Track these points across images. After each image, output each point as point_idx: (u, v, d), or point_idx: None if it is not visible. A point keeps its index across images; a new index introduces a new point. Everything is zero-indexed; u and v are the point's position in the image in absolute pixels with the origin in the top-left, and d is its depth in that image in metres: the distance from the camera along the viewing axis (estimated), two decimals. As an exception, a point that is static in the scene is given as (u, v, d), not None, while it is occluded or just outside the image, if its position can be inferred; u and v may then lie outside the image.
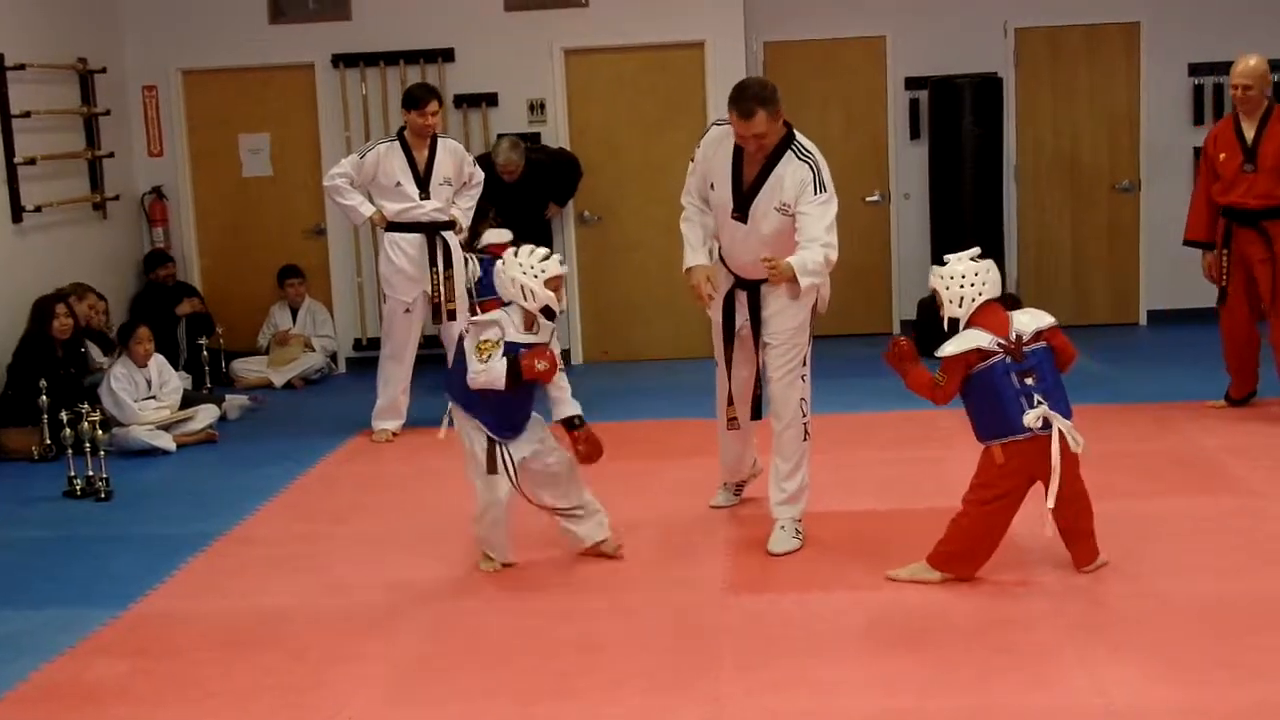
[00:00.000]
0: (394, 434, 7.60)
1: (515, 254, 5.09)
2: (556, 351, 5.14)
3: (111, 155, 9.36)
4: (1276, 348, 6.91)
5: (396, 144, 7.55)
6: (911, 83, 9.98)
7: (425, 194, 7.50)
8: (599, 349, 9.84)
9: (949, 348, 4.79)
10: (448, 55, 9.59)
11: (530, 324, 5.09)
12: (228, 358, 9.39)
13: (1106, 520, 5.53)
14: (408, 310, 7.57)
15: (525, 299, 5.03)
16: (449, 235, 7.58)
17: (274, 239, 9.88)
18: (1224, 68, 9.39)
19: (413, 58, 9.58)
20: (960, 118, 9.31)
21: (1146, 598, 4.70)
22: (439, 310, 7.54)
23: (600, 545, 5.35)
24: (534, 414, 5.24)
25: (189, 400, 7.98)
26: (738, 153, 5.28)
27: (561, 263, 5.12)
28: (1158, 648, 4.28)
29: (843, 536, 5.45)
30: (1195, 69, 9.86)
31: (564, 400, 5.25)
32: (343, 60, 9.62)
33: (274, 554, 5.66)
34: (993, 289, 4.84)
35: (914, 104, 10.01)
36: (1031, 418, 4.70)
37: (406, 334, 7.61)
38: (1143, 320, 10.20)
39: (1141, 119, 10.03)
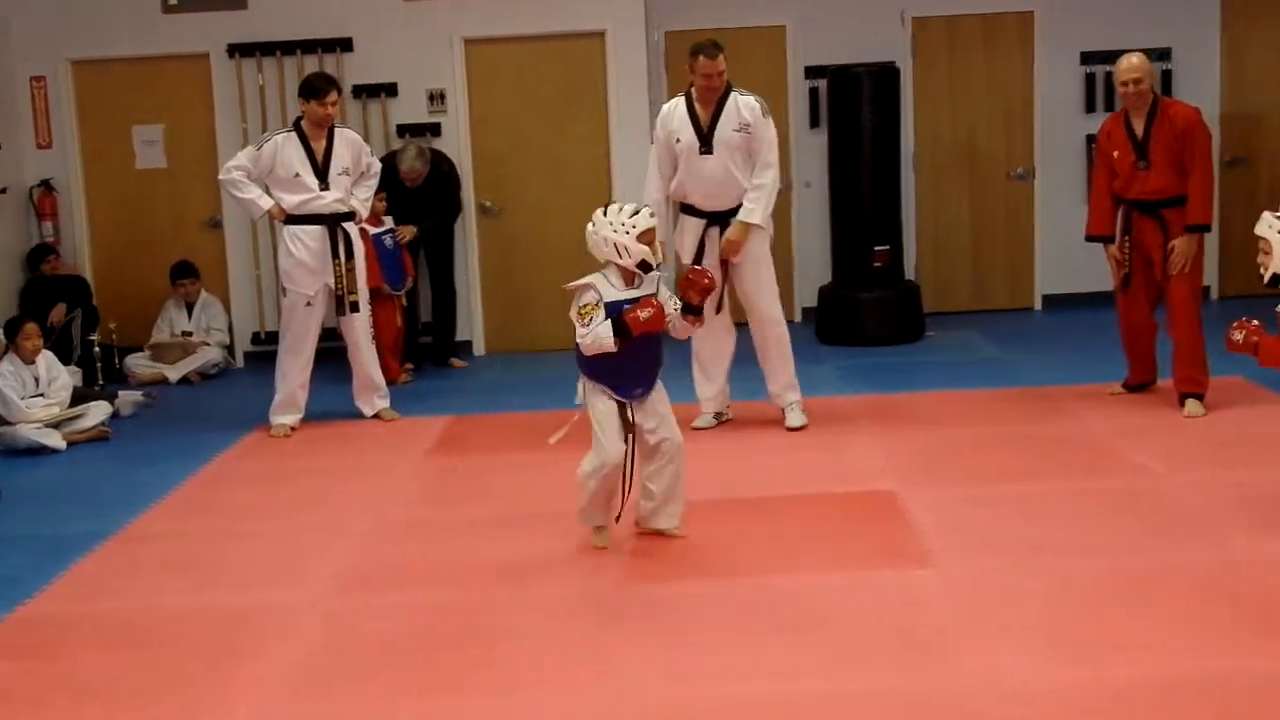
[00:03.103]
0: (292, 428, 7.52)
1: (605, 213, 5.09)
2: (666, 303, 5.08)
3: (-1, 147, 9.17)
4: (1173, 334, 7.01)
5: (294, 135, 7.46)
6: (811, 72, 10.05)
7: (324, 185, 7.42)
8: (501, 340, 9.80)
9: None
10: (346, 45, 9.49)
11: (631, 280, 5.06)
12: (121, 353, 9.23)
13: (1002, 502, 5.65)
14: (309, 303, 7.49)
15: (621, 256, 5.01)
16: (349, 226, 7.51)
17: (169, 232, 9.72)
18: (1114, 56, 9.51)
19: (310, 47, 9.48)
20: (859, 107, 9.39)
21: (1039, 577, 4.76)
22: (342, 302, 7.47)
23: (667, 529, 5.36)
24: (660, 386, 5.22)
25: (80, 397, 7.82)
26: (690, 109, 6.74)
27: (652, 215, 5.10)
28: (1050, 627, 4.34)
29: (744, 524, 5.47)
30: (1087, 57, 10.03)
31: None
32: (239, 50, 9.49)
33: (167, 552, 5.57)
34: None
35: (813, 93, 10.08)
36: None
37: (306, 327, 7.53)
38: (1038, 305, 10.36)
39: (1036, 107, 10.17)
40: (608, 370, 5.07)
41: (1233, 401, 6.99)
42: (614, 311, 4.96)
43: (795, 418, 7.00)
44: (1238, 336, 4.99)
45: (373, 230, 8.36)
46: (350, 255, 7.48)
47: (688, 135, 6.74)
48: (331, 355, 8.30)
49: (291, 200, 7.40)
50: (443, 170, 9.15)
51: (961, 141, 10.26)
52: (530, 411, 7.75)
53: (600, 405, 5.14)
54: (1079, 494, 5.71)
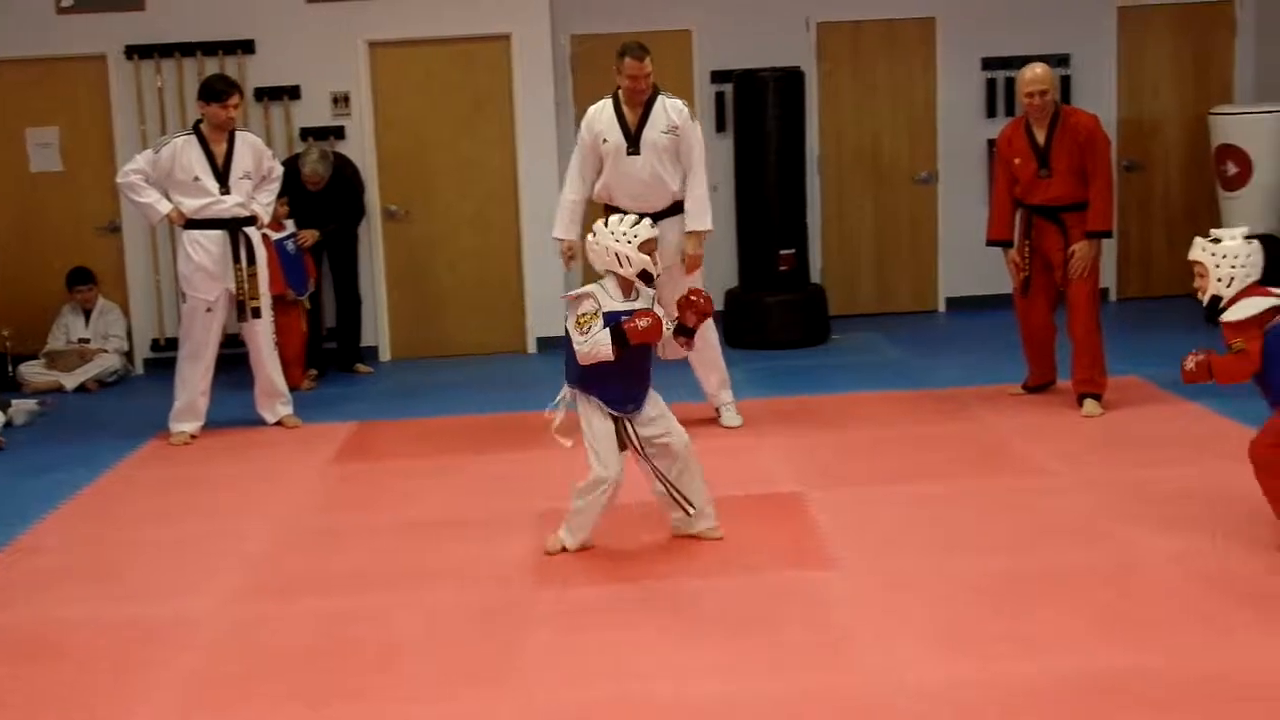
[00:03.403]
0: (193, 436, 7.41)
1: (605, 223, 5.10)
2: (661, 313, 5.08)
3: (-115, 149, 8.94)
4: (1072, 336, 7.12)
5: (194, 138, 7.35)
6: (717, 76, 10.09)
7: (225, 189, 7.31)
8: (408, 346, 9.73)
9: (1237, 313, 4.78)
10: (248, 47, 9.37)
11: (629, 291, 5.08)
12: (15, 361, 9.03)
13: (905, 502, 5.71)
14: (209, 309, 7.38)
15: (622, 266, 5.02)
16: (251, 231, 7.41)
17: (65, 237, 9.53)
18: (1014, 62, 9.74)
19: (211, 49, 9.35)
20: (764, 111, 9.44)
21: (941, 576, 4.82)
22: (243, 308, 7.37)
23: (703, 531, 5.32)
24: (653, 390, 5.21)
25: (-30, 406, 7.66)
26: (618, 111, 6.78)
27: (653, 225, 5.12)
28: (951, 625, 4.39)
29: (652, 528, 5.47)
30: (988, 63, 10.16)
31: None
32: (137, 51, 9.33)
33: (63, 562, 5.46)
34: (1257, 272, 4.84)
35: (719, 97, 10.12)
36: None
37: (206, 333, 7.41)
38: (941, 307, 10.49)
39: (938, 112, 10.30)
40: (599, 383, 5.04)
41: (1130, 401, 7.12)
42: (611, 322, 4.96)
43: (731, 418, 7.09)
44: (1190, 365, 4.99)
45: (274, 235, 8.25)
46: (252, 260, 7.38)
47: (615, 136, 6.79)
48: (233, 361, 8.19)
49: (191, 205, 7.29)
50: (346, 174, 9.07)
51: (866, 146, 10.36)
52: (436, 417, 7.72)
53: (596, 423, 5.11)
54: (980, 493, 5.79)
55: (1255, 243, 4.86)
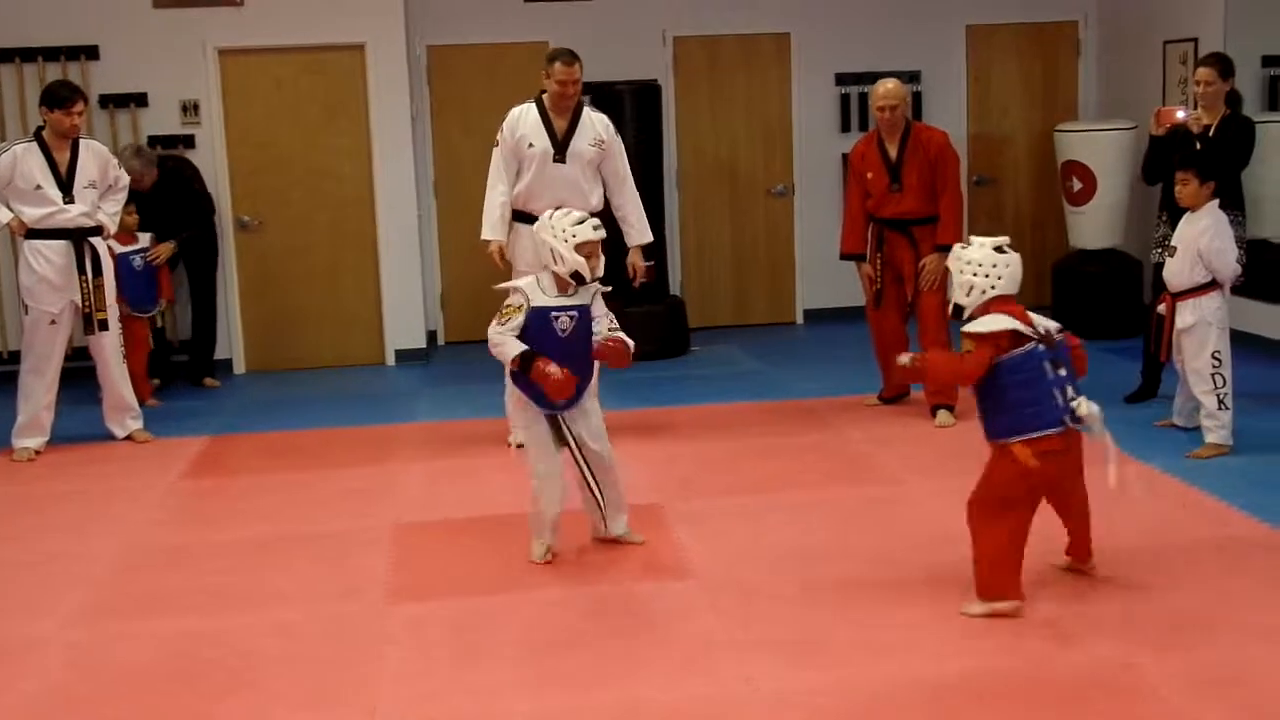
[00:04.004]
0: (37, 452, 7.18)
1: (550, 216, 5.05)
2: (601, 319, 5.08)
3: None
4: (923, 347, 7.24)
5: (35, 145, 7.13)
6: (574, 88, 10.08)
7: (69, 198, 7.11)
8: (262, 358, 9.56)
9: (979, 326, 4.44)
10: (91, 52, 9.12)
11: (565, 288, 5.00)
12: None
13: (761, 511, 5.75)
14: (53, 321, 7.17)
15: (555, 263, 4.96)
16: (96, 241, 7.22)
17: (-100, 247, 9.19)
18: (867, 78, 9.93)
19: (53, 54, 9.08)
20: (622, 124, 9.39)
21: (794, 585, 4.87)
22: (90, 320, 7.17)
23: (623, 537, 5.36)
24: (593, 401, 5.23)
25: None
26: (544, 116, 6.74)
27: (596, 228, 5.01)
28: (803, 632, 4.44)
29: (507, 541, 5.44)
30: (841, 79, 10.33)
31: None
32: (-25, 55, 9.06)
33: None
34: (1009, 285, 4.51)
35: (577, 109, 10.11)
36: (1084, 407, 4.36)
37: (50, 346, 7.20)
38: (799, 319, 10.61)
39: (794, 126, 10.43)
40: (527, 381, 4.99)
41: (980, 411, 7.27)
42: (539, 318, 4.94)
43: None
44: (904, 360, 4.72)
45: (121, 249, 8.03)
46: (98, 271, 7.19)
47: (542, 142, 6.70)
48: (79, 375, 7.96)
49: (33, 214, 7.08)
50: (185, 175, 8.86)
51: (723, 159, 10.45)
52: (291, 431, 7.60)
53: (531, 424, 5.13)
54: (837, 503, 5.87)
55: (1010, 255, 4.54)
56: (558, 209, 5.21)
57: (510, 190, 6.79)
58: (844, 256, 7.51)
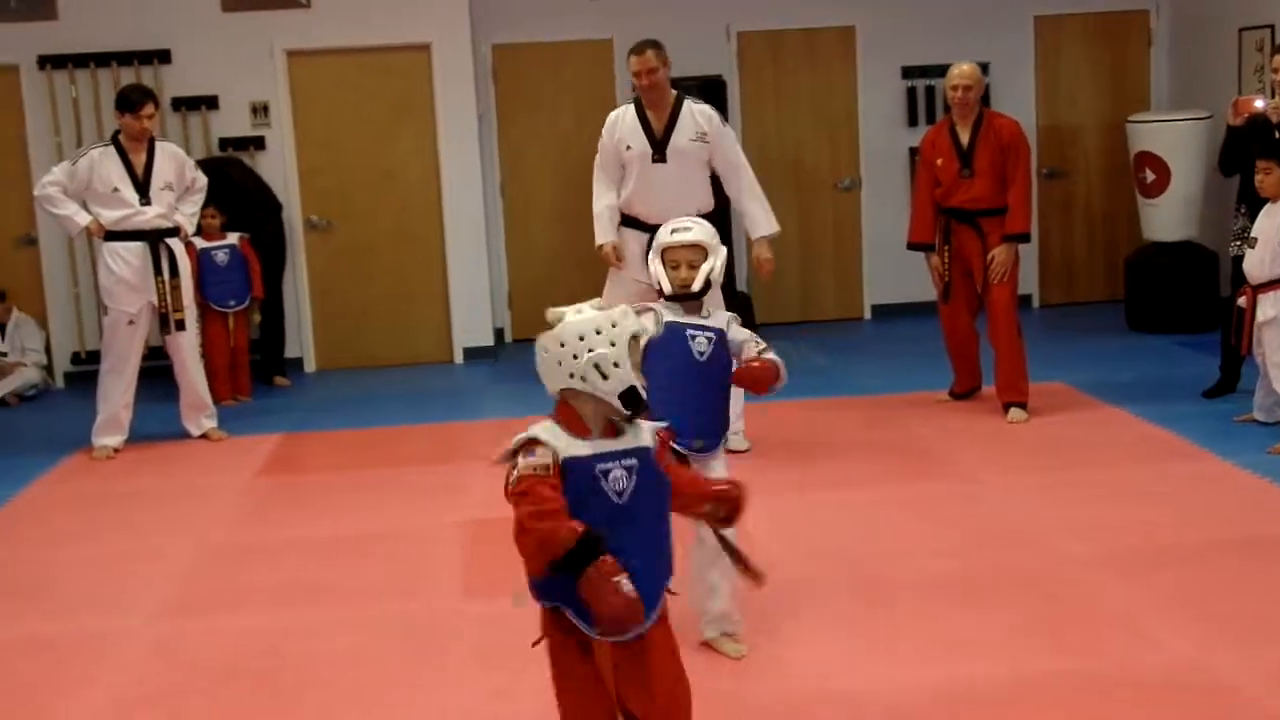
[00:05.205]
0: (116, 450, 7.29)
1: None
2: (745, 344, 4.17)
3: None
4: (993, 343, 7.19)
5: (112, 149, 7.24)
6: (639, 86, 10.08)
7: (146, 200, 7.21)
8: (333, 357, 9.64)
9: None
10: (164, 56, 9.24)
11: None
12: (-68, 375, 8.87)
13: (832, 508, 5.73)
14: (131, 322, 7.27)
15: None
16: (174, 242, 7.31)
17: (-20, 249, 9.36)
18: (934, 71, 9.85)
19: (126, 59, 9.20)
20: (688, 120, 9.44)
21: (868, 582, 4.85)
22: (167, 320, 7.27)
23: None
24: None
25: (-112, 422, 7.49)
26: (642, 115, 6.42)
27: (675, 231, 4.23)
28: (878, 631, 4.42)
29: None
30: (908, 72, 10.25)
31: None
32: (50, 61, 9.17)
33: (-17, 579, 5.36)
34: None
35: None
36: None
37: (128, 346, 7.30)
38: (867, 315, 10.55)
39: (860, 120, 10.37)
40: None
41: (1055, 407, 7.19)
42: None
43: (738, 442, 6.58)
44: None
45: (204, 244, 8.19)
46: (175, 272, 7.29)
47: (639, 143, 6.42)
48: (157, 375, 8.07)
49: (110, 216, 7.18)
50: (234, 179, 8.92)
51: (788, 153, 10.40)
52: (362, 429, 7.65)
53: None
54: (907, 499, 5.83)
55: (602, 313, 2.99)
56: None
57: (614, 196, 6.52)
58: (911, 246, 7.45)
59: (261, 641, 4.59)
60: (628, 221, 6.55)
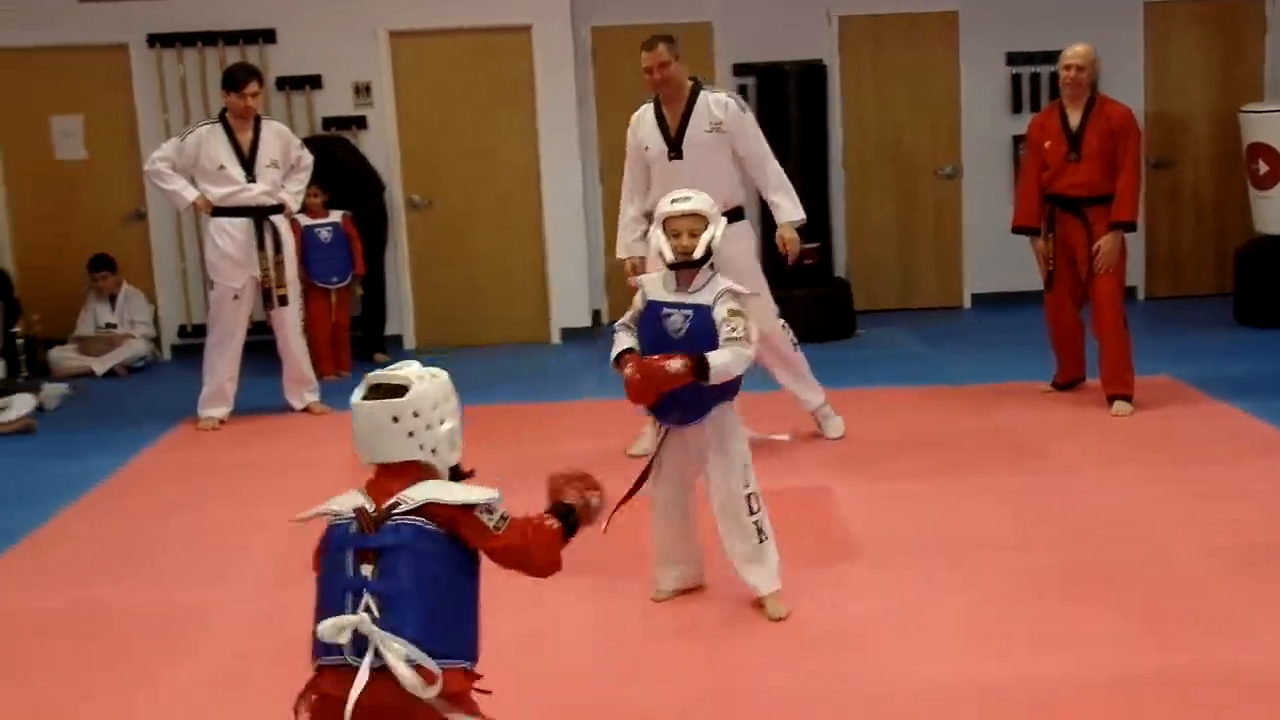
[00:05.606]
0: (221, 421, 7.42)
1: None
2: (723, 328, 4.29)
3: (-86, 136, 8.97)
4: (1098, 334, 7.08)
5: (219, 126, 7.36)
6: (739, 69, 10.04)
7: (251, 177, 7.33)
8: (433, 334, 9.72)
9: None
10: (269, 36, 9.37)
11: (685, 283, 4.37)
12: (46, 345, 9.07)
13: (930, 497, 5.68)
14: (236, 297, 7.40)
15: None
16: (278, 219, 7.41)
17: (91, 223, 9.54)
18: (1040, 57, 9.73)
19: (232, 38, 9.35)
20: (787, 105, 9.41)
21: (966, 573, 4.81)
22: (270, 296, 7.38)
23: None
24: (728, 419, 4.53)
25: (3, 390, 7.70)
26: (659, 115, 6.18)
27: (677, 200, 4.40)
28: (976, 622, 4.39)
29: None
30: (1013, 58, 10.12)
31: None
32: (159, 40, 9.34)
33: (94, 546, 5.48)
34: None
35: (741, 91, 10.05)
36: (331, 628, 2.81)
37: (234, 320, 7.43)
38: (967, 303, 10.44)
39: (962, 106, 10.25)
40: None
41: (1161, 401, 7.05)
42: (652, 315, 4.37)
43: (835, 427, 6.68)
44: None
45: (309, 221, 8.32)
46: (279, 249, 7.39)
47: (656, 142, 6.18)
48: (261, 349, 8.20)
49: (217, 192, 7.31)
50: (339, 159, 9.02)
51: (888, 139, 10.31)
52: (466, 407, 7.70)
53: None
54: (1008, 490, 5.77)
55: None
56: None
57: (643, 202, 6.22)
58: (1016, 230, 7.35)
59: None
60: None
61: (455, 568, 2.80)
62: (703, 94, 6.19)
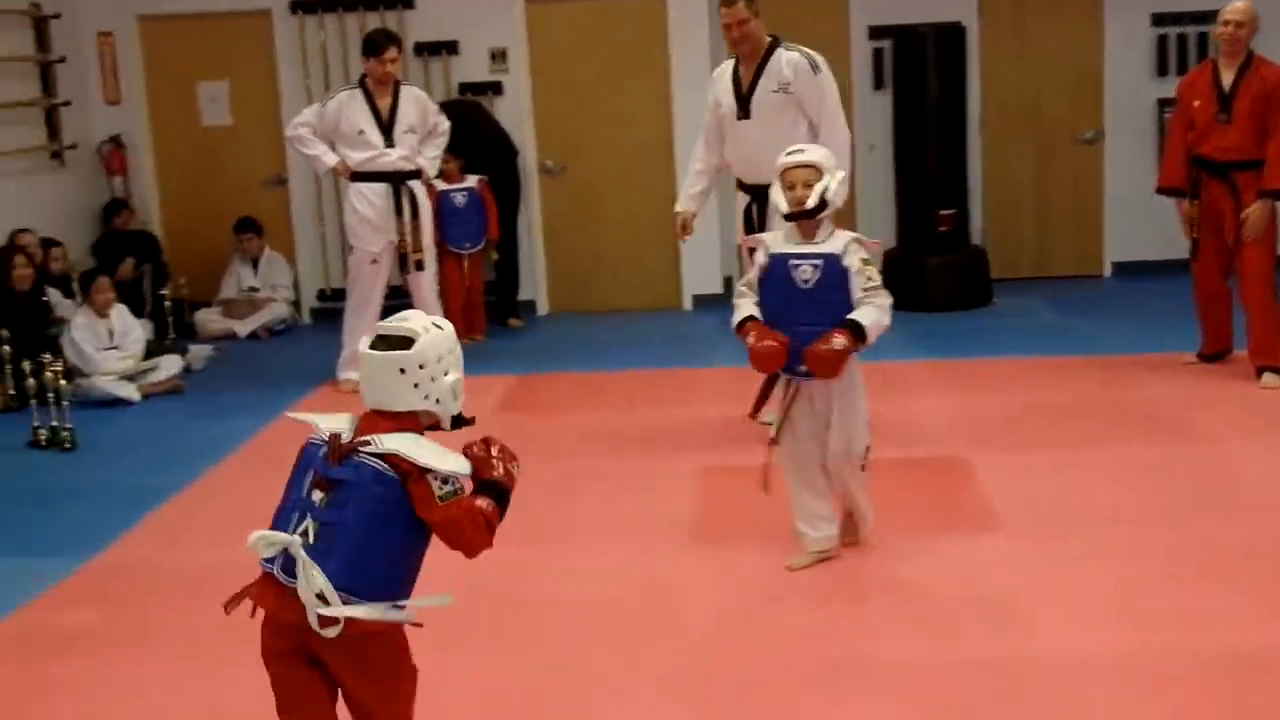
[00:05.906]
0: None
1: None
2: (857, 279, 4.33)
3: (68, 103, 9.23)
4: (1245, 304, 6.89)
5: (359, 91, 7.47)
6: (875, 32, 9.91)
7: (390, 142, 7.42)
8: (565, 300, 9.80)
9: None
10: (408, 2, 9.49)
11: (809, 234, 4.41)
12: (191, 307, 9.32)
13: (1070, 469, 5.60)
14: (374, 261, 7.51)
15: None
16: (415, 185, 7.51)
17: (235, 188, 9.77)
18: (1188, 18, 9.45)
19: (372, 4, 9.48)
20: (924, 68, 9.28)
21: (1107, 545, 4.73)
22: (407, 260, 7.49)
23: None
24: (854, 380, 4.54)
25: (152, 351, 7.92)
26: (735, 71, 6.03)
27: (791, 153, 4.47)
28: (1117, 596, 4.32)
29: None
30: (1159, 19, 9.84)
31: None
32: (301, 6, 9.51)
33: (238, 505, 5.59)
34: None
35: (878, 53, 9.97)
36: (261, 540, 2.93)
37: (372, 285, 7.55)
38: (1107, 272, 10.22)
39: (1105, 70, 10.01)
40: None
41: (1311, 373, 6.86)
42: (778, 269, 4.37)
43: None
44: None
45: (445, 186, 8.42)
46: (416, 213, 7.49)
47: (728, 100, 6.05)
48: (398, 312, 8.33)
49: (356, 157, 7.42)
50: (472, 120, 9.03)
51: (1028, 104, 10.11)
52: (594, 372, 7.77)
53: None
54: (1150, 462, 5.66)
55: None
56: None
57: (712, 157, 6.19)
58: (1161, 190, 7.16)
59: (494, 576, 4.68)
60: (738, 183, 6.21)
61: (404, 521, 2.84)
62: (778, 52, 5.95)
